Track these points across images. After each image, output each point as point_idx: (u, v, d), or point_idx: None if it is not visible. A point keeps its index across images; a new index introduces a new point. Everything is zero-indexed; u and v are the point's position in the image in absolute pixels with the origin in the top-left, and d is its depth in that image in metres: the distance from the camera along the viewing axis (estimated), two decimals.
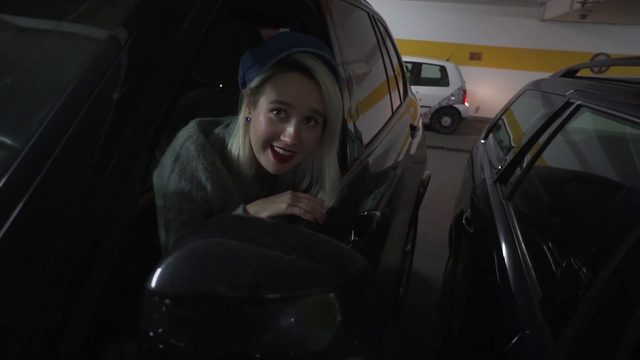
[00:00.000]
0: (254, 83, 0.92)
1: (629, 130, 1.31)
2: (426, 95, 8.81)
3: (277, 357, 0.46)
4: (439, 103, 9.06)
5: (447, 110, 9.15)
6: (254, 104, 0.94)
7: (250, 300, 0.43)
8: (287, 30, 1.83)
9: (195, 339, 0.43)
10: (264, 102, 0.91)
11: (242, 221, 0.52)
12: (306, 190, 1.04)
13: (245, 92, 0.95)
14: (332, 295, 0.46)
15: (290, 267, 0.47)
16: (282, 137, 0.90)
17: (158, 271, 0.44)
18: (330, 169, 1.00)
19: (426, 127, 8.88)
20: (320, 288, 0.46)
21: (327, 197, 1.00)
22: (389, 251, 1.73)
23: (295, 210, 0.89)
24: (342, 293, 0.47)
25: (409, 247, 2.71)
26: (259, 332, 0.44)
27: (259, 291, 0.44)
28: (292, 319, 0.45)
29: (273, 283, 0.44)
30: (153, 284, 0.44)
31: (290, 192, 0.93)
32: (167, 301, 0.43)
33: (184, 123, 1.02)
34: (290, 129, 0.89)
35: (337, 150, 1.01)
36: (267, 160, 0.93)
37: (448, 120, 9.15)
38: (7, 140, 0.59)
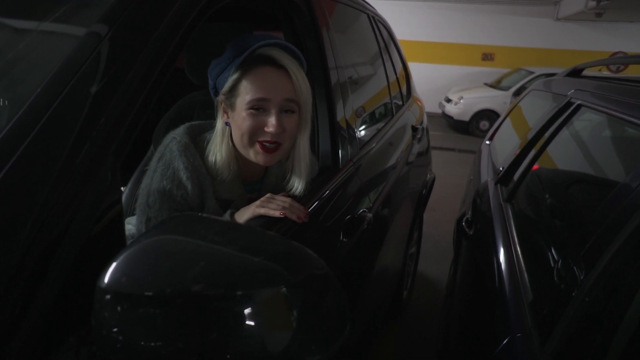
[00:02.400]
0: (226, 87, 0.95)
1: (628, 129, 1.29)
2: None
3: (232, 356, 0.46)
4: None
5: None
6: (230, 106, 0.97)
7: (197, 297, 0.44)
8: (281, 33, 1.84)
9: (144, 337, 0.43)
10: (241, 103, 0.94)
11: (196, 220, 0.52)
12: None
13: (219, 98, 0.98)
14: (283, 292, 0.46)
15: (240, 264, 0.47)
16: (265, 129, 0.94)
17: (109, 269, 0.45)
18: (304, 153, 1.03)
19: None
20: (271, 286, 0.46)
21: (301, 180, 1.03)
22: (387, 253, 1.72)
23: (262, 211, 0.90)
24: (294, 292, 0.47)
25: (413, 249, 2.69)
26: (209, 330, 0.44)
27: (207, 289, 0.44)
28: (244, 318, 0.45)
29: (221, 281, 0.45)
30: (104, 281, 0.44)
31: (268, 194, 0.94)
32: (116, 299, 0.43)
33: (182, 123, 1.05)
34: (272, 120, 0.93)
35: (309, 136, 1.05)
36: (255, 154, 0.96)
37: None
38: None
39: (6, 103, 0.64)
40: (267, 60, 0.93)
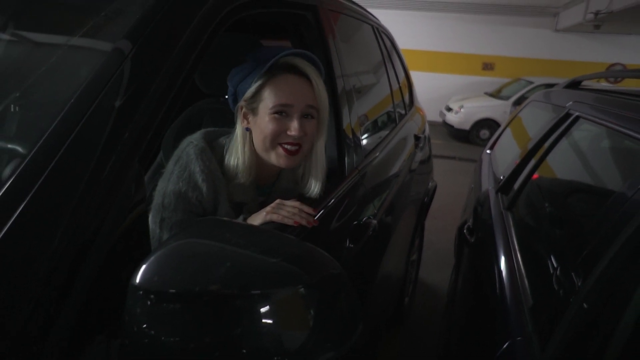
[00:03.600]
0: (249, 93, 0.99)
1: (626, 141, 1.33)
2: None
3: (252, 352, 0.49)
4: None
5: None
6: (252, 111, 1.01)
7: (223, 296, 0.47)
8: (289, 42, 1.89)
9: (172, 332, 0.47)
10: (265, 107, 0.99)
11: (220, 224, 0.55)
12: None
13: (240, 104, 1.02)
14: (301, 292, 0.49)
15: (262, 266, 0.50)
16: (288, 133, 0.98)
17: (142, 268, 0.48)
18: (321, 155, 1.09)
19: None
20: (291, 286, 0.49)
21: (318, 182, 1.08)
22: (390, 259, 1.75)
23: (274, 217, 0.94)
24: (311, 292, 0.50)
25: (414, 256, 2.72)
26: (233, 326, 0.48)
27: (233, 288, 0.47)
28: (265, 316, 0.49)
29: (245, 281, 0.48)
30: (137, 280, 0.48)
31: (277, 200, 0.98)
32: (148, 296, 0.47)
33: (191, 131, 1.08)
34: (294, 124, 0.98)
35: (325, 141, 1.10)
36: (278, 157, 1.01)
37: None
38: (16, 147, 0.64)
39: (38, 117, 0.67)
40: (290, 68, 0.99)
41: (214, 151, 1.04)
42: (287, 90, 0.98)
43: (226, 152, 1.05)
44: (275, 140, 0.99)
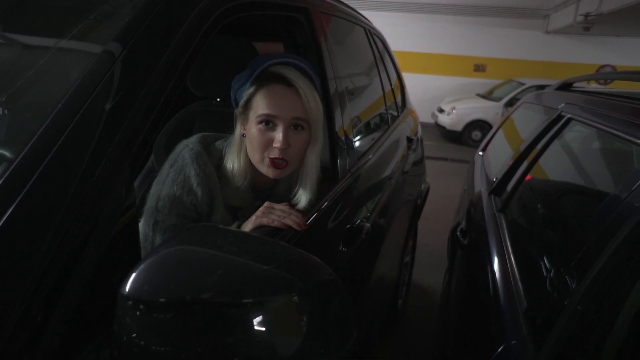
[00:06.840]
0: (242, 101, 1.00)
1: (616, 143, 1.33)
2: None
3: None
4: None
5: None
6: (245, 120, 1.01)
7: (215, 305, 0.46)
8: (281, 44, 1.88)
9: (163, 342, 0.46)
10: (253, 117, 0.98)
11: (212, 230, 0.54)
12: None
13: (237, 111, 1.02)
14: (295, 299, 0.48)
15: (255, 273, 0.49)
16: (273, 145, 0.97)
17: (131, 277, 0.47)
18: (312, 168, 1.06)
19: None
20: (284, 293, 0.48)
21: (306, 194, 1.05)
22: (384, 262, 1.75)
23: (264, 221, 0.93)
24: (305, 299, 0.49)
25: (407, 258, 2.72)
26: (225, 335, 0.47)
27: (225, 296, 0.46)
28: (259, 324, 0.48)
29: (238, 288, 0.47)
30: (126, 289, 0.46)
31: (266, 203, 0.97)
32: (137, 306, 0.45)
33: (183, 134, 1.07)
34: (279, 136, 0.96)
35: (320, 152, 1.08)
36: (266, 168, 1.00)
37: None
38: (4, 150, 0.62)
39: (26, 120, 0.66)
40: (278, 78, 0.97)
41: (211, 155, 1.03)
42: (272, 101, 0.96)
43: (224, 155, 1.04)
44: (263, 152, 0.98)
